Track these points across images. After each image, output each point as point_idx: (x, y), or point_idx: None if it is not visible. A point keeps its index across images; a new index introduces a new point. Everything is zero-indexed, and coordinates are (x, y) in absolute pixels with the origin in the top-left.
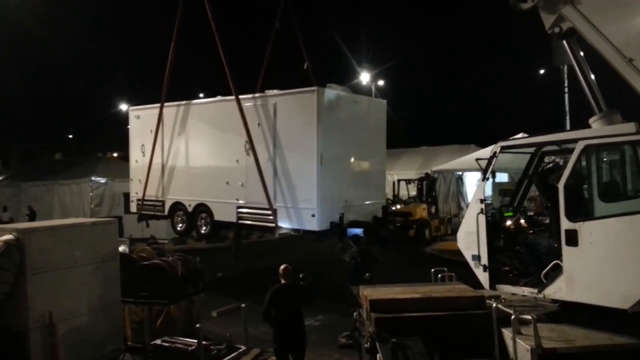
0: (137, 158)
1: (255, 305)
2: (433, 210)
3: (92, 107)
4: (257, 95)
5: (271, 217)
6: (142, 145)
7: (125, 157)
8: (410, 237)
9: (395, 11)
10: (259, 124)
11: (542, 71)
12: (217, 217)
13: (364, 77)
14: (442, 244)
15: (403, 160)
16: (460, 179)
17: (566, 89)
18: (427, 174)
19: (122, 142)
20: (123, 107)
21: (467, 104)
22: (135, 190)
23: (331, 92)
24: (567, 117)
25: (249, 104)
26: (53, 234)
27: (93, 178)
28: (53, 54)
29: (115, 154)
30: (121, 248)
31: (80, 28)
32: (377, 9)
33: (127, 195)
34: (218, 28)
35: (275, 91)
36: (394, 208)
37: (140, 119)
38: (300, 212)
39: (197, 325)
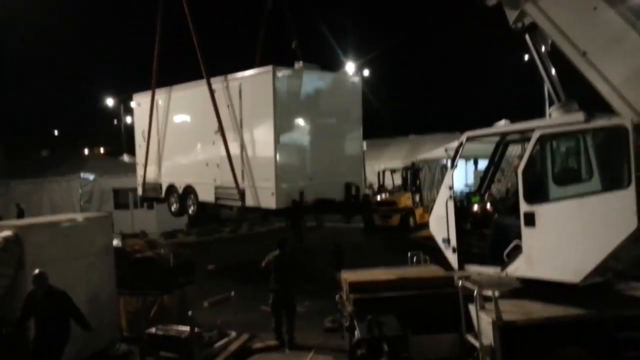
0: (140, 143)
1: (245, 294)
2: (417, 198)
3: (76, 102)
4: (226, 77)
5: (238, 197)
6: (143, 131)
7: (112, 153)
8: (395, 225)
9: (382, 2)
10: (228, 106)
11: (527, 57)
12: (200, 198)
13: (350, 67)
14: (426, 232)
15: (389, 150)
16: (444, 167)
17: None
18: (412, 163)
19: (109, 137)
20: (109, 101)
21: (454, 92)
22: (140, 174)
23: (288, 70)
24: (547, 104)
25: (219, 86)
26: (50, 229)
27: (82, 175)
28: (34, 46)
29: (102, 150)
30: (115, 242)
31: (63, 20)
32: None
33: (116, 191)
34: (192, 12)
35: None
36: (379, 197)
37: (141, 106)
38: (262, 191)
39: (189, 313)
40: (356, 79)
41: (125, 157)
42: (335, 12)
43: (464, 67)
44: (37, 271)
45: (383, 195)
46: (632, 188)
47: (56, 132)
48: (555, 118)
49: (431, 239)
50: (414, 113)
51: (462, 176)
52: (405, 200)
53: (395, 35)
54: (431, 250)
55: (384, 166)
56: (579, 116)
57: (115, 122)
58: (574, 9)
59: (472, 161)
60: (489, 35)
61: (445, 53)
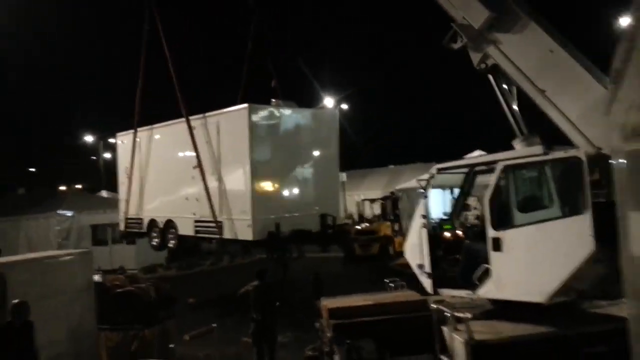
0: (123, 180)
1: (227, 326)
2: (397, 227)
3: (54, 139)
4: (205, 115)
5: (216, 230)
6: (126, 167)
7: (90, 189)
8: (375, 254)
9: (361, 35)
10: (207, 142)
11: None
12: (181, 232)
13: (329, 101)
14: (404, 259)
15: (369, 180)
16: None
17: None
18: (391, 192)
19: (87, 173)
20: (88, 138)
21: (433, 122)
22: (123, 210)
23: (264, 107)
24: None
25: (198, 123)
26: (32, 266)
27: (59, 211)
28: (10, 81)
29: (79, 186)
30: (96, 277)
31: (42, 56)
32: (342, 34)
33: (95, 227)
34: (172, 54)
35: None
36: (358, 227)
37: (124, 144)
38: (239, 223)
39: (170, 347)
40: (333, 113)
41: (104, 193)
42: (315, 48)
43: (442, 97)
44: (17, 301)
45: (363, 225)
46: (588, 213)
47: (33, 169)
48: (517, 150)
49: (409, 266)
50: (394, 144)
51: (439, 205)
52: (385, 229)
53: (374, 66)
54: (408, 277)
55: (363, 196)
56: (539, 149)
57: (94, 158)
58: (533, 52)
59: (449, 190)
60: (466, 70)
61: (425, 83)
